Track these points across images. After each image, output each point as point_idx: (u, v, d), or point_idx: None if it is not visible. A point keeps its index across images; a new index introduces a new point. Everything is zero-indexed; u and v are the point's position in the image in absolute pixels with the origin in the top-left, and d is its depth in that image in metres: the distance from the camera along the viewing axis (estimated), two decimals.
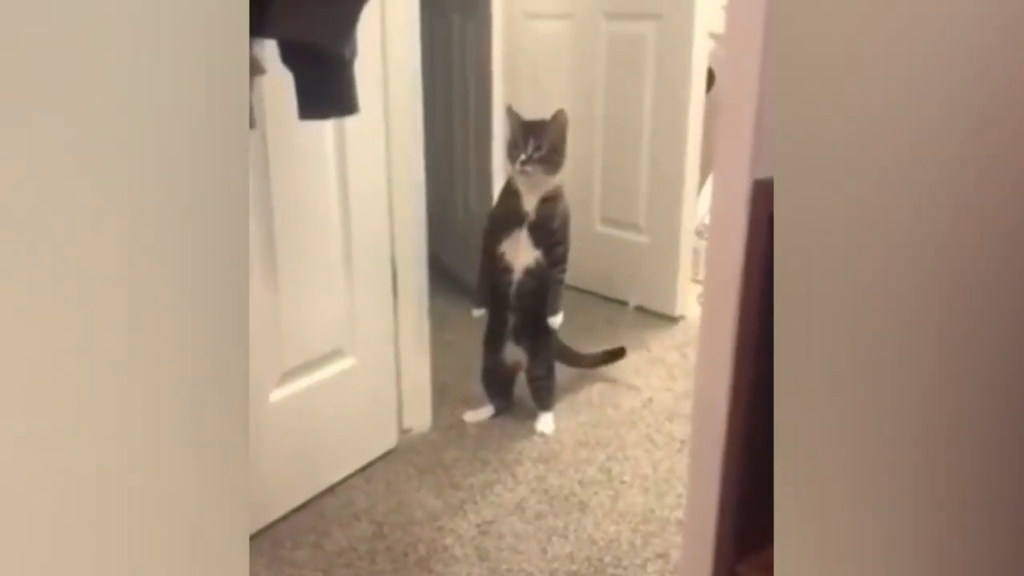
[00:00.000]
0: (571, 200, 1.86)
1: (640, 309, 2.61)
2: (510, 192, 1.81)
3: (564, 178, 1.80)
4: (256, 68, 1.03)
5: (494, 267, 1.83)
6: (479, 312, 1.88)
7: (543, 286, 1.82)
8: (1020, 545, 0.54)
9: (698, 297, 2.48)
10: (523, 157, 1.73)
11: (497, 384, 1.96)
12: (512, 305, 1.84)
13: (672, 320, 2.54)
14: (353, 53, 1.07)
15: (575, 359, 2.13)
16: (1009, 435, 0.54)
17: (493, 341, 1.90)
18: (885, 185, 0.56)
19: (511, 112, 1.80)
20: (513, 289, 1.82)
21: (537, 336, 1.88)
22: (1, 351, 0.48)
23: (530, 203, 1.78)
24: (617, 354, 2.18)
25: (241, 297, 0.61)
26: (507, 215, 1.81)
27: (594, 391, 2.10)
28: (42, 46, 0.48)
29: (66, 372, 0.51)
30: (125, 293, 0.54)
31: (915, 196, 0.55)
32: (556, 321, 1.84)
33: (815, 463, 0.61)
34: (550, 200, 1.78)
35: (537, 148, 1.72)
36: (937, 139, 0.54)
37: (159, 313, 0.56)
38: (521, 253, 1.80)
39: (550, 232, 1.80)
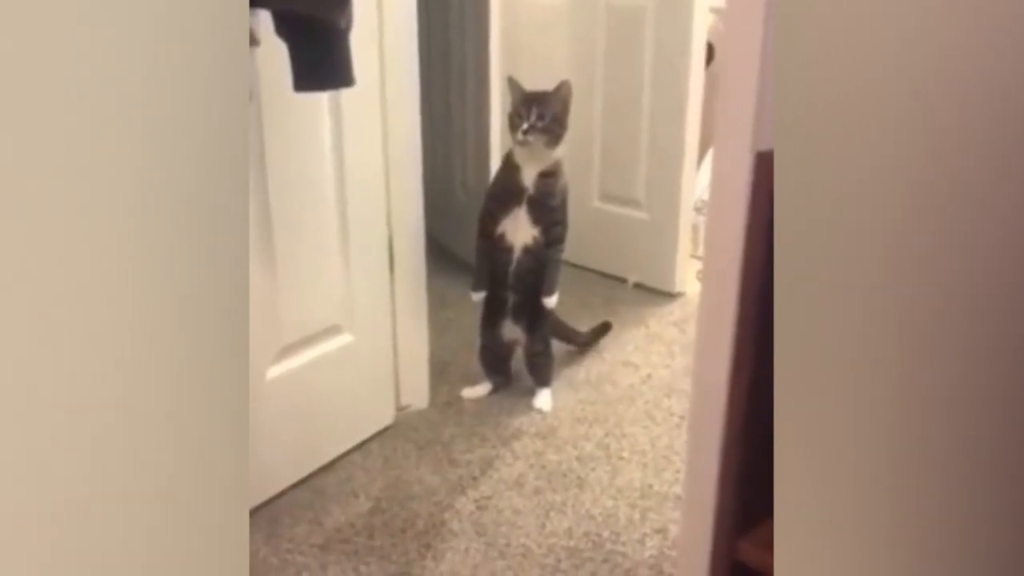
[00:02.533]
0: (570, 176, 1.84)
1: (639, 286, 2.60)
2: (509, 165, 1.79)
3: (563, 152, 1.79)
4: (250, 40, 1.02)
5: (493, 247, 1.82)
6: (479, 296, 1.87)
7: (541, 264, 1.81)
8: (1019, 513, 0.54)
9: (697, 273, 2.47)
10: (525, 126, 1.70)
11: (495, 361, 1.96)
12: (511, 284, 1.83)
13: (671, 296, 2.53)
14: (349, 23, 1.06)
15: (571, 336, 2.13)
16: (1011, 398, 0.53)
17: (491, 319, 1.90)
18: (889, 158, 0.55)
19: (512, 82, 1.77)
20: (512, 268, 1.81)
21: (535, 314, 1.87)
22: (4, 320, 0.47)
23: (529, 177, 1.76)
24: (604, 328, 2.22)
25: (241, 277, 0.60)
26: (506, 190, 1.79)
27: (592, 368, 2.10)
28: (40, 36, 0.47)
29: (66, 355, 0.51)
30: (126, 274, 0.53)
31: (921, 170, 0.54)
32: (551, 302, 1.84)
33: (816, 440, 0.60)
34: (550, 175, 1.77)
35: (540, 117, 1.70)
36: (941, 108, 0.53)
37: (159, 293, 0.55)
38: (520, 231, 1.79)
39: (549, 210, 1.78)
